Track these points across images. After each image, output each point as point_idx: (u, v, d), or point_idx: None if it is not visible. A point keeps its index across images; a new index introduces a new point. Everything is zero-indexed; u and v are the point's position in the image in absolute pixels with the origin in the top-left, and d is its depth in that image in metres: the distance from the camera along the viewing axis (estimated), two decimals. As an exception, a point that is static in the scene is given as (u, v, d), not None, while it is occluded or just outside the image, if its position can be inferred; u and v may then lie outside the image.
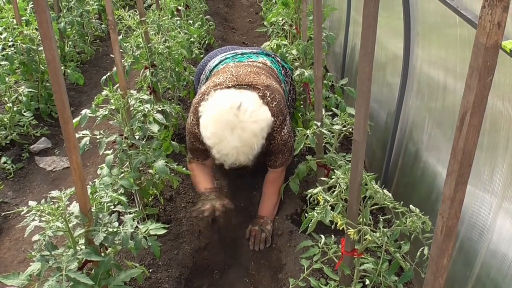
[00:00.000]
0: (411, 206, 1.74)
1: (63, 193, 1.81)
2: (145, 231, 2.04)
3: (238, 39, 6.54)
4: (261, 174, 3.08)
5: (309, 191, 1.93)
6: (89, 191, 1.92)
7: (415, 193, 2.61)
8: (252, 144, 2.46)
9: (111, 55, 2.68)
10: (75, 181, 1.71)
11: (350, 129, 2.49)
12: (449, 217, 1.02)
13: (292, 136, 2.85)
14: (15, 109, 3.98)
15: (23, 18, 4.43)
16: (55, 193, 1.82)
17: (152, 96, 3.33)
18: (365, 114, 1.54)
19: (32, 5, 4.72)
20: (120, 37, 3.33)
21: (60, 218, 1.75)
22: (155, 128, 2.69)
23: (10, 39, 4.11)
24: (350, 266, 1.94)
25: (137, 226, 2.04)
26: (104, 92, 2.59)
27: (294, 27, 3.91)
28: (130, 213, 2.13)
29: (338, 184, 1.84)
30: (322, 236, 2.14)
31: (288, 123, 2.82)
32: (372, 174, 1.80)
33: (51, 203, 1.78)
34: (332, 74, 3.91)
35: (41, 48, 4.19)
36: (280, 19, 4.20)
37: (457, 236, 2.03)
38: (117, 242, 1.90)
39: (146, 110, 2.69)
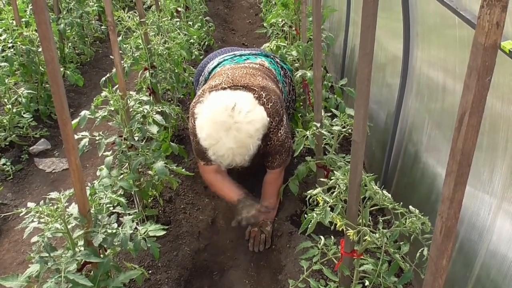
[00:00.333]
0: (410, 207, 1.74)
1: (62, 195, 1.81)
2: (144, 233, 2.04)
3: (238, 40, 6.54)
4: (260, 175, 3.08)
5: (309, 192, 1.92)
6: (88, 192, 1.91)
7: (415, 194, 2.61)
8: (247, 145, 2.45)
9: (110, 57, 2.68)
10: (74, 182, 1.70)
11: (350, 130, 2.49)
12: (448, 218, 1.02)
13: (290, 137, 2.85)
14: (14, 110, 3.98)
15: (23, 19, 4.43)
16: (54, 195, 1.82)
17: (151, 97, 3.32)
18: (364, 115, 1.54)
19: (32, 7, 4.72)
20: (120, 38, 3.33)
21: (59, 219, 1.75)
22: (154, 129, 2.69)
23: (9, 41, 4.11)
24: (350, 267, 1.93)
25: (136, 228, 2.03)
26: (104, 93, 2.59)
27: (293, 28, 3.91)
28: (129, 214, 2.13)
29: (337, 185, 1.84)
30: (322, 237, 2.13)
31: (285, 124, 2.81)
32: (371, 175, 1.79)
33: (50, 204, 1.78)
34: (332, 75, 3.91)
35: (40, 49, 4.19)
36: (280, 20, 4.20)
37: (456, 236, 2.02)
38: (116, 243, 1.90)
39: (146, 111, 2.69)
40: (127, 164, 2.63)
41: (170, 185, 2.98)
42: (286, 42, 3.94)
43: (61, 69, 4.34)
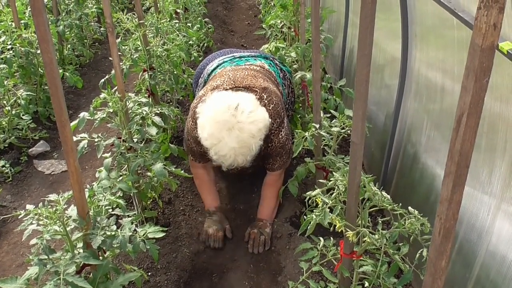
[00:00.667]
0: (409, 208, 1.73)
1: (61, 197, 1.80)
2: (143, 235, 2.03)
3: (237, 41, 6.54)
4: (260, 176, 3.08)
5: (308, 193, 1.92)
6: (87, 194, 1.91)
7: (414, 195, 2.61)
8: (250, 145, 2.45)
9: (109, 58, 2.68)
10: (72, 184, 1.70)
11: (349, 131, 2.49)
12: (446, 219, 1.02)
13: (290, 138, 2.85)
14: (13, 112, 3.97)
15: (22, 21, 4.43)
16: (53, 197, 1.82)
17: (150, 99, 3.32)
18: (363, 116, 1.54)
19: (30, 9, 4.73)
20: (119, 40, 3.33)
21: (58, 221, 1.75)
22: (153, 131, 2.69)
23: (9, 43, 4.11)
24: (349, 268, 1.93)
25: (135, 230, 2.03)
26: (102, 95, 2.59)
27: (292, 30, 3.92)
28: (128, 216, 2.13)
29: (336, 186, 1.84)
30: (321, 238, 2.13)
31: (286, 125, 2.81)
32: (370, 176, 1.79)
33: (49, 206, 1.78)
34: (331, 76, 3.92)
35: (39, 51, 4.18)
36: (279, 21, 4.20)
37: (456, 237, 2.02)
38: (115, 245, 1.90)
39: (145, 113, 2.69)
40: (126, 166, 2.62)
41: (169, 187, 2.98)
42: (285, 43, 3.94)
43: (60, 70, 4.34)
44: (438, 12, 2.15)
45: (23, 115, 4.05)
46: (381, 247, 1.78)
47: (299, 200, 3.06)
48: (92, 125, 2.56)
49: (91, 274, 1.89)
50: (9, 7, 4.53)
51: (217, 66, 3.19)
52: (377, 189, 1.78)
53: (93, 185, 2.36)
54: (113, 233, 1.88)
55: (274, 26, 4.38)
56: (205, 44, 5.45)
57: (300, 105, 3.61)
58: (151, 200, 3.05)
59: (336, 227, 1.77)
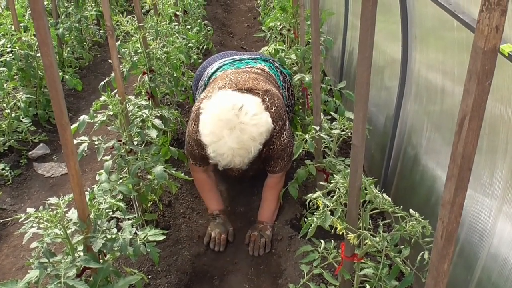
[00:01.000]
0: (411, 210, 1.73)
1: (61, 200, 1.80)
2: (144, 237, 2.03)
3: (237, 44, 6.54)
4: (260, 179, 3.08)
5: (309, 196, 1.92)
6: (87, 197, 1.91)
7: (415, 197, 2.61)
8: (249, 147, 2.44)
9: (109, 61, 2.68)
10: (73, 187, 1.70)
11: (349, 133, 2.49)
12: (449, 222, 1.02)
13: (292, 141, 2.84)
14: (13, 115, 3.97)
15: (22, 24, 4.43)
16: (53, 200, 1.81)
17: (150, 102, 3.32)
18: (363, 118, 1.54)
19: (30, 12, 4.72)
20: (118, 42, 3.33)
21: (58, 225, 1.75)
22: (153, 133, 2.68)
23: (8, 45, 4.10)
24: (350, 271, 1.93)
25: (136, 232, 2.03)
26: (102, 98, 2.59)
27: (292, 32, 3.92)
28: (128, 219, 2.12)
29: (337, 189, 1.84)
30: (322, 241, 2.13)
31: (287, 128, 2.81)
32: (371, 178, 1.79)
33: (49, 209, 1.77)
34: (330, 78, 3.92)
35: (39, 54, 4.17)
36: (278, 24, 4.20)
37: (457, 240, 2.02)
38: (115, 248, 1.89)
39: (145, 115, 2.69)
40: (126, 168, 2.62)
41: (170, 190, 2.97)
42: (284, 45, 3.94)
43: (60, 73, 4.34)
44: (438, 14, 2.15)
45: (22, 118, 4.04)
46: (382, 250, 1.78)
47: (300, 203, 3.05)
48: (92, 128, 2.56)
49: (92, 277, 1.88)
50: (8, 10, 4.53)
51: (218, 69, 3.19)
52: (378, 192, 1.78)
53: (94, 188, 2.36)
54: (113, 236, 1.88)
55: (273, 28, 4.38)
56: (205, 47, 5.45)
57: (300, 107, 3.61)
58: (151, 202, 3.04)
59: (337, 230, 1.76)
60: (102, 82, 3.26)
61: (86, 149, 2.42)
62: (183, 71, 4.03)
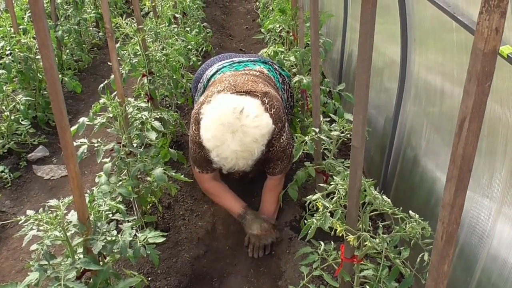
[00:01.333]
0: (410, 211, 1.73)
1: (61, 202, 1.80)
2: (143, 240, 2.03)
3: (236, 46, 6.55)
4: (260, 180, 3.07)
5: (308, 197, 1.92)
6: (87, 199, 1.91)
7: (414, 198, 2.61)
8: (252, 149, 2.44)
9: (108, 63, 2.68)
10: (73, 189, 1.70)
11: (348, 135, 2.49)
12: (449, 223, 1.02)
13: (291, 143, 2.85)
14: (12, 117, 3.97)
15: (21, 26, 4.43)
16: (53, 202, 1.81)
17: (149, 104, 3.32)
18: (363, 120, 1.54)
19: (30, 14, 4.73)
20: (118, 45, 3.33)
21: (58, 227, 1.75)
22: (153, 135, 2.68)
23: (7, 48, 4.11)
24: (350, 272, 1.93)
25: (135, 235, 2.03)
26: (102, 100, 2.59)
27: (291, 34, 3.92)
28: (128, 221, 2.12)
29: (337, 190, 1.84)
30: (322, 242, 2.13)
31: (287, 130, 2.81)
32: (371, 180, 1.79)
33: (49, 212, 1.78)
34: (330, 80, 3.92)
35: (38, 56, 4.19)
36: (277, 26, 4.21)
37: (457, 241, 2.02)
38: (115, 250, 1.90)
39: (144, 117, 2.69)
40: (125, 170, 2.62)
41: (169, 192, 2.97)
42: (283, 47, 3.95)
43: (59, 76, 4.34)
44: (437, 16, 2.16)
45: (22, 120, 4.04)
46: (382, 251, 1.78)
47: (299, 204, 3.05)
48: (92, 130, 2.56)
49: (92, 279, 1.88)
50: (7, 13, 4.53)
51: (216, 72, 3.19)
52: (377, 193, 1.78)
53: (93, 190, 2.36)
54: (113, 238, 1.88)
55: (272, 30, 4.39)
56: (204, 49, 5.46)
57: (299, 109, 3.61)
58: (151, 205, 3.04)
59: (337, 232, 1.77)
60: (102, 84, 3.26)
61: (85, 151, 2.42)
62: (182, 73, 4.03)
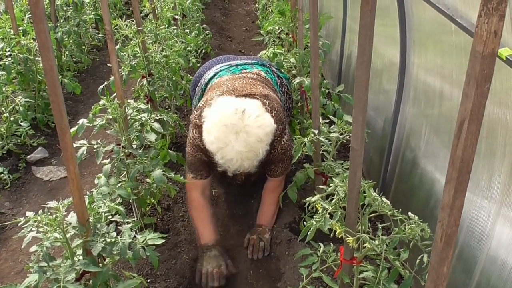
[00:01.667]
0: (409, 213, 1.74)
1: (61, 204, 1.80)
2: (143, 241, 2.03)
3: (235, 47, 6.56)
4: (259, 182, 3.08)
5: (308, 199, 1.92)
6: (86, 201, 1.91)
7: (413, 200, 2.61)
8: (257, 149, 2.44)
9: (108, 65, 2.68)
10: (72, 191, 1.70)
11: (348, 137, 2.49)
12: (448, 225, 1.02)
13: (292, 145, 2.85)
14: (11, 119, 3.97)
15: (20, 28, 4.43)
16: (52, 204, 1.81)
17: (149, 105, 3.33)
18: (362, 122, 1.54)
19: (30, 15, 4.74)
20: (117, 46, 3.33)
21: (57, 228, 1.75)
22: (152, 137, 2.68)
23: (7, 49, 4.11)
24: (350, 274, 1.93)
25: (135, 236, 2.02)
26: (101, 102, 2.59)
27: (290, 36, 3.93)
28: (128, 223, 2.12)
29: (336, 192, 1.84)
30: (321, 244, 2.13)
31: (287, 131, 2.82)
32: (370, 181, 1.80)
33: (49, 213, 1.78)
34: (329, 82, 3.92)
35: (38, 58, 4.20)
36: (277, 27, 4.21)
37: (456, 243, 2.02)
38: (115, 252, 1.89)
39: (143, 119, 2.69)
40: (125, 172, 2.62)
41: (168, 193, 2.97)
42: (283, 49, 3.96)
43: (59, 77, 4.34)
44: (436, 18, 2.16)
45: (21, 121, 4.04)
46: (381, 253, 1.78)
47: (298, 206, 3.05)
48: (91, 132, 2.56)
49: (91, 281, 1.88)
50: (7, 14, 4.53)
51: (214, 75, 3.17)
52: (377, 195, 1.78)
53: (93, 191, 2.35)
54: (113, 240, 1.88)
55: (272, 32, 4.39)
56: (203, 50, 5.46)
57: (299, 110, 3.61)
58: (150, 206, 3.04)
59: (336, 233, 1.77)
60: (101, 86, 3.27)
61: (85, 152, 2.42)
62: (181, 75, 4.04)
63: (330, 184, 1.90)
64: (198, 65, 4.48)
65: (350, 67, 4.14)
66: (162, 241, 2.08)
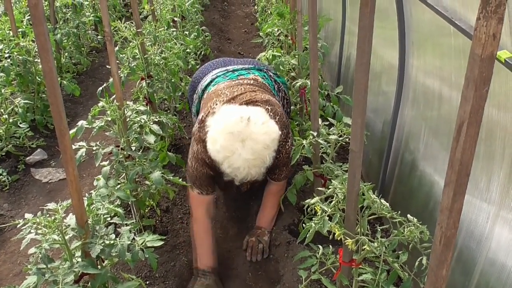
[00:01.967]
0: (408, 215, 1.74)
1: (60, 205, 1.80)
2: (142, 243, 2.03)
3: (234, 49, 6.56)
4: (260, 184, 3.07)
5: (307, 201, 1.92)
6: (85, 203, 1.91)
7: (413, 202, 2.61)
8: (264, 156, 2.40)
9: (107, 66, 2.68)
10: (71, 193, 1.70)
11: (347, 139, 2.49)
12: (447, 228, 1.02)
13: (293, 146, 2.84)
14: (11, 120, 3.97)
15: (20, 29, 4.44)
16: (51, 206, 1.81)
17: (148, 107, 3.33)
18: (361, 124, 1.54)
19: (29, 17, 4.74)
20: (117, 48, 3.33)
21: (56, 230, 1.74)
22: (151, 139, 2.68)
23: (6, 51, 4.11)
24: (349, 276, 1.93)
25: (134, 238, 2.02)
26: (101, 103, 2.59)
27: (289, 38, 3.94)
28: (126, 224, 2.12)
29: (335, 194, 1.84)
30: (320, 246, 2.13)
31: (291, 135, 2.80)
32: (369, 183, 1.80)
33: (48, 215, 1.77)
34: (328, 83, 3.93)
35: (37, 59, 4.20)
36: (276, 29, 4.22)
37: (455, 245, 2.02)
38: (113, 254, 1.89)
39: (143, 121, 2.69)
40: (124, 174, 2.62)
41: (167, 195, 2.97)
42: (282, 51, 3.96)
43: (58, 79, 4.34)
44: (435, 20, 2.17)
45: (20, 123, 4.04)
46: (380, 255, 1.78)
47: (298, 208, 3.05)
48: (90, 133, 2.56)
49: (90, 283, 1.88)
50: (6, 16, 4.53)
51: (211, 82, 3.09)
52: (376, 197, 1.78)
53: (91, 193, 2.35)
54: (112, 241, 1.87)
55: (271, 34, 4.40)
56: (202, 52, 5.47)
57: (298, 112, 3.61)
58: (149, 208, 3.04)
59: (335, 235, 1.77)
60: (100, 88, 3.27)
61: (84, 154, 2.41)
62: (181, 77, 4.04)
63: (329, 186, 1.90)
64: (197, 67, 4.48)
65: (349, 69, 4.15)
66: (161, 243, 2.08)
